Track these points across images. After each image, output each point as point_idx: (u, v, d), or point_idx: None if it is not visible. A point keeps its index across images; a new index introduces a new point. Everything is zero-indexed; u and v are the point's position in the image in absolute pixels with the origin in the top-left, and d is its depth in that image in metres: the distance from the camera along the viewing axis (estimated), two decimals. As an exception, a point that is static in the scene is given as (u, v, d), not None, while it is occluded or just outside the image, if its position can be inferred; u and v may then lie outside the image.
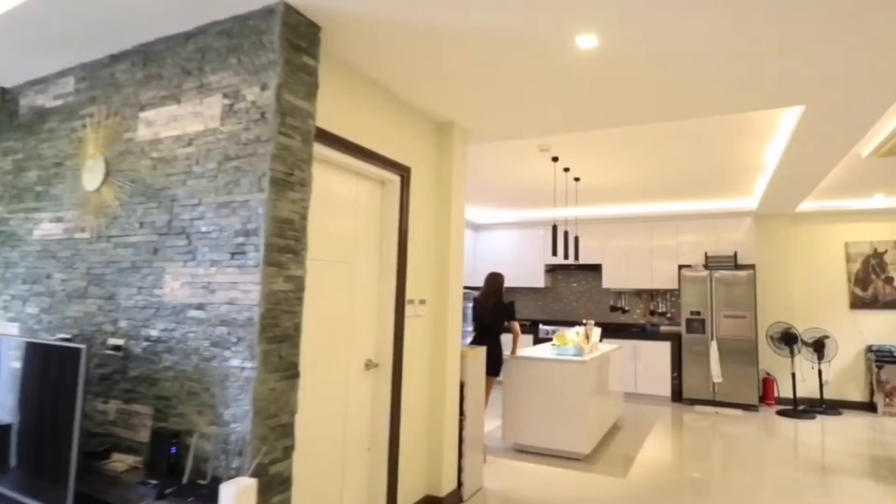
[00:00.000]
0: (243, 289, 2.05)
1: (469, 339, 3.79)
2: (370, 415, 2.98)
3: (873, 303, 6.85)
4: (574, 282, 8.53)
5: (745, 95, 3.03)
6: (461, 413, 3.53)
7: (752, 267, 7.02)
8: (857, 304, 6.91)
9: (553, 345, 4.73)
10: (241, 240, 2.09)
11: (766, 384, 6.91)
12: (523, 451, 4.63)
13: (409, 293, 3.18)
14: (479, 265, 8.84)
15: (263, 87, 2.12)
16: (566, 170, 5.43)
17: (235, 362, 2.02)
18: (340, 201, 2.82)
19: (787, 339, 6.61)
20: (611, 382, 5.43)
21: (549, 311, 8.66)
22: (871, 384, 6.66)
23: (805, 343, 6.64)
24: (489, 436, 5.11)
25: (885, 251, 6.87)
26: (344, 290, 2.81)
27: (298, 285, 2.17)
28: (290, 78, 2.15)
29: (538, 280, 8.39)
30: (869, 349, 6.75)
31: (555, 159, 5.00)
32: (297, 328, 2.16)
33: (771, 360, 6.96)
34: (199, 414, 2.10)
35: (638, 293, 8.02)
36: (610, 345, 5.93)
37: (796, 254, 7.25)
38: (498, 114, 3.39)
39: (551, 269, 8.57)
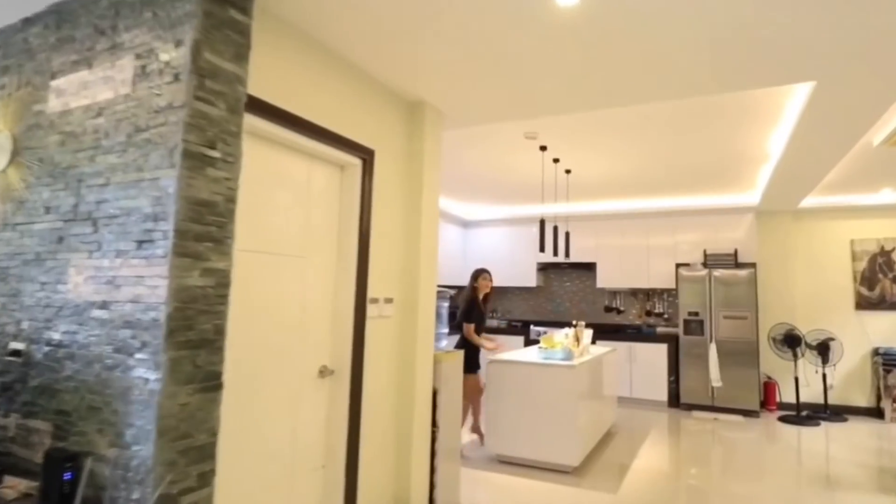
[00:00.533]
0: (150, 284, 1.71)
1: (445, 342, 3.47)
2: (325, 428, 2.64)
3: (880, 303, 6.52)
4: (567, 281, 8.20)
5: (750, 69, 2.69)
6: (434, 423, 3.20)
7: (753, 266, 6.69)
8: (863, 304, 6.58)
9: (540, 348, 4.40)
10: (149, 225, 1.75)
11: (768, 389, 6.58)
12: (506, 463, 4.29)
13: (372, 291, 2.84)
14: (469, 264, 8.48)
15: (178, 44, 1.78)
16: (556, 161, 5.09)
17: (139, 372, 1.68)
18: (289, 186, 2.48)
19: (790, 341, 6.28)
20: (604, 387, 5.09)
21: (541, 311, 8.33)
22: (878, 389, 6.33)
23: (809, 345, 6.31)
24: (469, 446, 4.78)
25: (893, 249, 6.54)
26: (294, 287, 2.48)
27: (222, 280, 1.83)
28: (212, 33, 1.81)
29: (530, 279, 8.05)
30: (875, 352, 6.41)
31: (543, 149, 4.66)
32: (220, 331, 1.82)
33: (773, 363, 6.63)
34: (99, 433, 1.75)
35: (634, 293, 7.69)
36: (603, 347, 5.59)
37: (799, 252, 6.91)
38: (474, 90, 3.05)
39: (543, 268, 8.23)
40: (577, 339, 4.61)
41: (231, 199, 1.87)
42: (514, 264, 8.16)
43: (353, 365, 2.69)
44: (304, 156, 2.56)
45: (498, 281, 8.21)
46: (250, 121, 2.10)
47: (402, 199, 3.14)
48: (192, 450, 1.71)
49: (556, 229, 5.68)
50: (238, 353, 2.13)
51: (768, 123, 3.98)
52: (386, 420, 2.93)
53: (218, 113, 1.82)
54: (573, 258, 7.67)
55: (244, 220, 2.15)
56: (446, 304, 3.47)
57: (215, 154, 1.81)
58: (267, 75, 2.22)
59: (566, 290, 8.18)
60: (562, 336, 4.54)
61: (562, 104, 3.24)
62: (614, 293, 7.79)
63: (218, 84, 1.82)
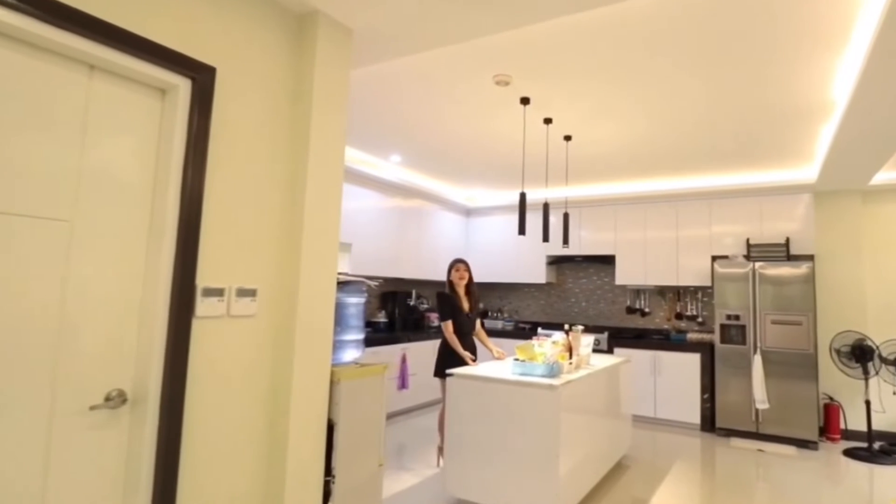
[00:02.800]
0: None
1: (359, 353, 2.49)
2: (111, 489, 1.70)
3: (980, 307, 5.12)
4: (583, 277, 7.06)
5: None
6: (328, 471, 2.23)
7: (811, 258, 5.41)
8: (956, 308, 5.20)
9: (515, 359, 3.35)
10: None
11: (829, 413, 5.27)
12: (469, 510, 3.28)
13: (210, 278, 1.90)
14: (472, 257, 7.48)
15: None
16: (548, 122, 4.02)
17: None
18: (41, 108, 1.56)
19: (860, 353, 4.97)
20: (611, 408, 4.00)
21: (553, 311, 7.22)
22: (978, 416, 4.95)
23: (884, 360, 4.98)
24: (424, 485, 3.78)
25: None
26: (44, 266, 1.55)
27: None
28: None
29: (539, 275, 6.97)
30: (974, 369, 5.02)
31: (524, 102, 3.61)
32: None
33: (836, 380, 5.33)
34: None
35: (661, 292, 6.48)
36: (611, 358, 4.48)
37: (870, 242, 5.56)
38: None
39: (555, 262, 7.13)
40: (570, 349, 3.54)
41: None
42: (521, 256, 7.10)
43: (165, 390, 1.76)
44: (76, 64, 1.64)
45: (505, 276, 7.19)
46: None
47: (279, 150, 2.18)
48: None
49: (566, 216, 4.64)
50: None
51: (832, 51, 2.81)
52: (234, 475, 1.97)
53: None
54: (588, 250, 6.57)
55: None
56: (362, 301, 2.49)
57: None
58: None
59: (581, 288, 7.05)
60: (549, 344, 3.48)
61: (512, 9, 2.21)
62: (638, 292, 6.61)
63: None
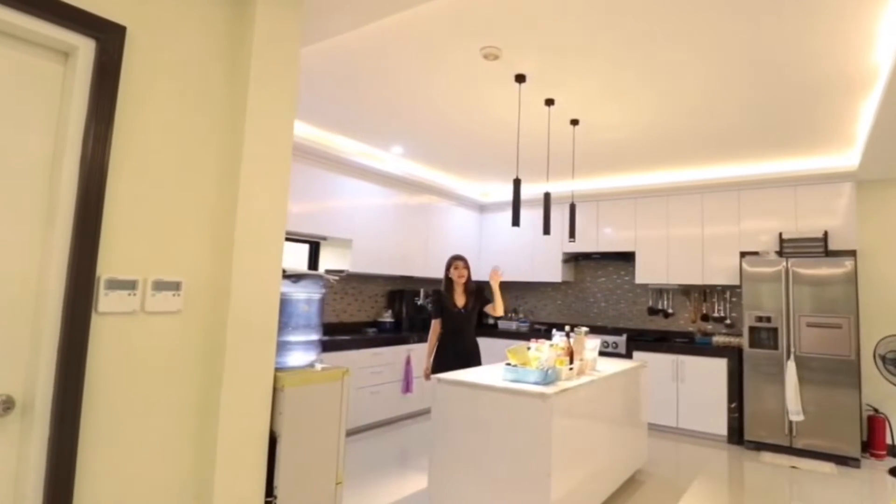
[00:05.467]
0: None
1: (314, 355, 2.21)
2: (-11, 511, 1.47)
3: None
4: (602, 275, 6.64)
5: None
6: (269, 492, 1.95)
7: (852, 254, 4.89)
8: None
9: (507, 364, 3.02)
10: None
11: (874, 426, 4.74)
12: (454, 531, 2.96)
13: (116, 267, 1.65)
14: (484, 255, 7.17)
15: None
16: (549, 103, 3.67)
17: None
18: None
19: (909, 360, 4.44)
20: (621, 419, 3.62)
21: (570, 312, 6.82)
22: None
23: (938, 367, 4.44)
24: (413, 499, 3.49)
25: None
26: None
27: None
28: None
29: (555, 273, 6.59)
30: None
31: (520, 79, 3.28)
32: None
33: (882, 390, 4.80)
34: None
35: (685, 291, 6.02)
36: (623, 363, 4.09)
37: (922, 236, 5.00)
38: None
39: (572, 259, 6.74)
40: (570, 353, 3.19)
41: None
42: (537, 253, 6.73)
43: (58, 397, 1.51)
44: (-55, 19, 1.41)
45: (519, 275, 6.83)
46: None
47: (210, 126, 1.92)
48: None
49: (572, 207, 4.30)
50: None
51: (873, 5, 2.40)
52: (149, 497, 1.71)
53: None
54: (606, 247, 6.17)
55: None
56: (317, 297, 2.21)
57: None
58: None
59: (600, 287, 6.63)
60: (546, 347, 3.13)
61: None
62: (660, 291, 6.16)
63: None
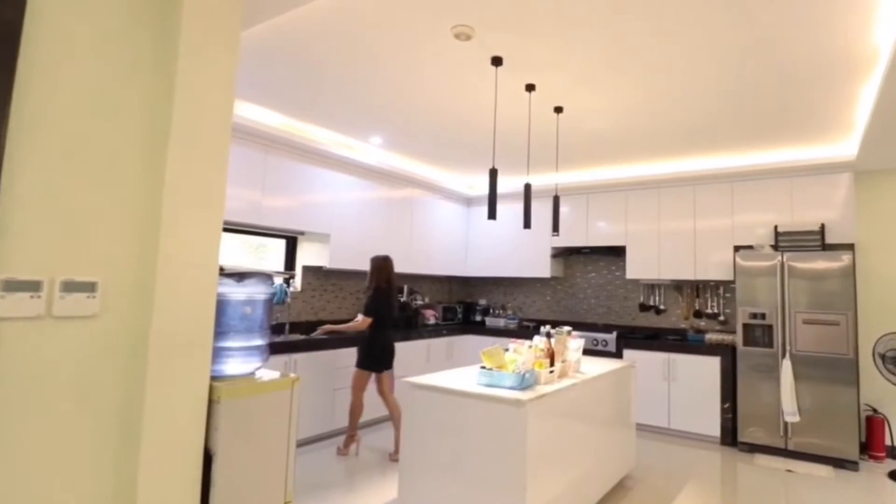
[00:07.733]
0: None
1: (258, 361, 2.00)
2: None
3: None
4: (592, 271, 6.45)
5: None
6: (204, 514, 1.75)
7: (850, 248, 4.70)
8: None
9: (481, 367, 2.82)
10: None
11: (873, 427, 4.57)
12: (425, 546, 2.77)
13: (14, 266, 1.44)
14: (471, 252, 6.96)
15: None
16: (530, 88, 3.47)
17: None
18: None
19: (909, 358, 4.27)
20: (607, 423, 3.43)
21: (560, 308, 6.63)
22: None
23: (939, 366, 4.26)
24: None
25: None
26: None
27: None
28: None
29: (543, 268, 6.39)
30: None
31: (496, 62, 3.06)
32: None
33: (880, 389, 4.63)
34: None
35: (678, 287, 5.83)
36: (610, 363, 3.90)
37: (922, 229, 4.82)
38: None
39: (561, 255, 6.54)
40: (551, 355, 2.99)
41: None
42: (525, 249, 6.53)
43: (-62, 416, 1.31)
44: None
45: (507, 271, 6.64)
46: None
47: (132, 97, 1.70)
48: None
49: (556, 200, 4.11)
50: None
51: (874, -25, 2.19)
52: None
53: None
54: (595, 241, 5.98)
55: None
56: (262, 298, 2.01)
57: None
58: None
59: (590, 283, 6.44)
60: (524, 350, 2.93)
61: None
62: (652, 287, 5.97)
63: None
